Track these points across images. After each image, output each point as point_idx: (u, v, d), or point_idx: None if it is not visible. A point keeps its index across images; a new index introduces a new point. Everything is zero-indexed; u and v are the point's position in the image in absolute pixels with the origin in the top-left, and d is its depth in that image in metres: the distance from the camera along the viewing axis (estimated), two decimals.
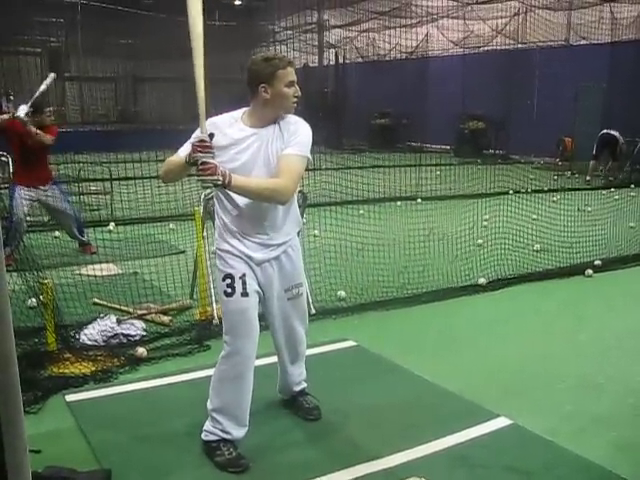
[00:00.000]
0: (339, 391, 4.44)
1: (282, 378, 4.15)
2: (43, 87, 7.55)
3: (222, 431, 3.63)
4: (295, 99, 3.53)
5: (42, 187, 7.85)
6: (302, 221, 3.81)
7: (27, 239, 7.52)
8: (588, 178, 16.23)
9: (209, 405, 3.69)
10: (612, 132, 16.25)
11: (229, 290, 3.53)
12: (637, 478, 3.49)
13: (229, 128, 3.51)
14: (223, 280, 3.56)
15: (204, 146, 3.23)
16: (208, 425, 3.69)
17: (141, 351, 5.08)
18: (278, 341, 3.93)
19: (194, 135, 3.38)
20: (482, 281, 7.10)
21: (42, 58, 23.33)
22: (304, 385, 4.20)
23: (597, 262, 7.91)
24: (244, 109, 3.59)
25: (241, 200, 3.48)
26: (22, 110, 7.43)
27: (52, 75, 7.83)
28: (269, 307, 3.74)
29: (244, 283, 3.53)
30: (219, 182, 3.22)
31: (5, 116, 7.80)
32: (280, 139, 3.48)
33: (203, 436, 3.71)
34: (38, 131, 7.59)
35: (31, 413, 4.11)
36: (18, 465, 1.33)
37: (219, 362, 3.64)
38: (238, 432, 3.65)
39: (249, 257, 3.56)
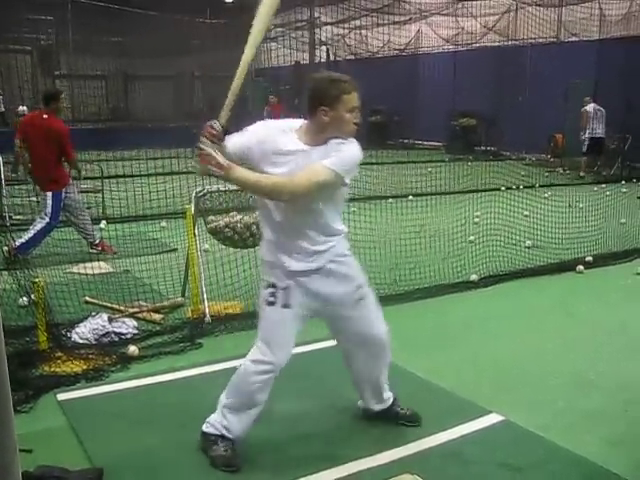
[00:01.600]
0: (332, 388, 4.43)
1: (364, 397, 4.03)
2: None
3: (225, 428, 3.61)
4: (355, 126, 3.41)
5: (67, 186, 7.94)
6: (343, 229, 3.68)
7: (17, 237, 7.50)
8: (582, 174, 16.41)
9: (223, 399, 3.64)
10: (599, 133, 16.58)
11: (271, 299, 3.49)
12: (628, 473, 3.50)
13: (281, 135, 3.41)
14: (266, 288, 3.52)
15: (211, 133, 3.22)
16: (214, 418, 3.65)
17: (133, 349, 5.07)
18: (353, 353, 3.83)
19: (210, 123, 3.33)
20: (474, 278, 7.12)
21: (32, 56, 23.26)
22: (388, 403, 4.06)
23: (588, 258, 7.93)
24: (303, 121, 3.46)
25: (277, 211, 3.43)
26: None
27: None
28: (338, 311, 3.65)
29: (287, 294, 3.48)
30: (212, 173, 3.21)
31: None
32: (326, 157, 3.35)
33: (204, 427, 3.68)
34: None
35: (22, 412, 4.09)
36: (8, 464, 1.33)
37: (247, 364, 3.55)
38: (239, 433, 3.63)
39: (291, 269, 3.47)
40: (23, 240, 7.43)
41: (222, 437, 3.62)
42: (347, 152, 3.39)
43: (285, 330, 3.52)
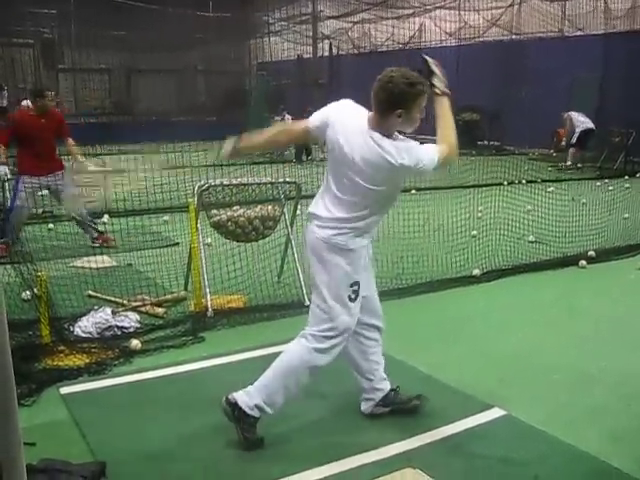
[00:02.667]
0: (333, 382, 4.43)
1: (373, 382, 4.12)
2: None
3: (263, 411, 3.64)
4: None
5: (51, 175, 7.88)
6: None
7: (21, 231, 7.52)
8: (568, 163, 16.75)
9: (275, 385, 3.65)
10: (590, 125, 16.79)
11: (353, 296, 3.61)
12: (630, 468, 3.51)
13: (356, 118, 3.52)
14: (350, 286, 3.60)
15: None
16: (260, 401, 3.63)
17: (135, 343, 5.08)
18: (372, 336, 3.99)
19: None
20: (476, 272, 7.11)
21: (35, 50, 23.23)
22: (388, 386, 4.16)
23: (591, 253, 7.93)
24: (370, 113, 3.52)
25: (379, 196, 3.56)
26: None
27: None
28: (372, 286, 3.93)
29: (359, 289, 3.64)
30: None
31: None
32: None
33: (249, 410, 3.63)
34: (75, 154, 8.05)
35: (25, 406, 4.11)
36: (13, 458, 1.33)
37: (311, 352, 3.61)
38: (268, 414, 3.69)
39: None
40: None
41: (257, 419, 3.66)
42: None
43: (354, 322, 3.73)
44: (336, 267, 3.58)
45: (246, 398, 3.63)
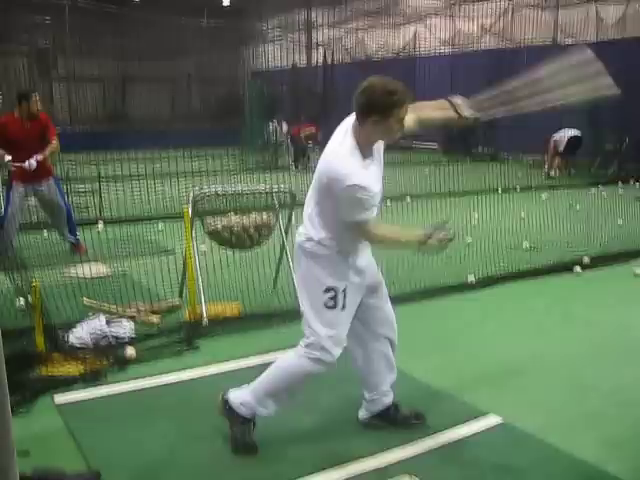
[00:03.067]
0: (329, 390, 4.43)
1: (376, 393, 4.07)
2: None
3: (257, 413, 3.66)
4: (399, 132, 3.47)
5: (39, 182, 7.90)
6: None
7: (15, 239, 7.50)
8: (552, 174, 16.70)
9: (266, 385, 3.66)
10: (575, 132, 16.75)
11: (331, 303, 3.55)
12: (627, 475, 3.50)
13: (365, 168, 3.41)
14: (325, 292, 3.55)
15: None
16: (252, 400, 3.65)
17: (130, 352, 5.06)
18: (376, 348, 4.00)
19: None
20: (471, 279, 7.12)
21: (29, 59, 23.23)
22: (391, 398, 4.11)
23: (585, 259, 7.94)
24: (351, 141, 3.40)
25: None
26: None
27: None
28: (381, 297, 3.97)
29: (345, 297, 3.57)
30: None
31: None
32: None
33: (240, 410, 3.66)
34: (46, 153, 7.80)
35: (19, 414, 4.09)
36: (5, 466, 1.32)
37: (302, 357, 3.59)
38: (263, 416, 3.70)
39: (354, 264, 3.63)
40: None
41: (253, 422, 3.68)
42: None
43: (344, 330, 3.65)
44: (308, 272, 3.58)
45: (237, 394, 3.69)
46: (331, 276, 3.51)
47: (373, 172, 3.45)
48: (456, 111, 3.71)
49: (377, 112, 3.31)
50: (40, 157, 7.65)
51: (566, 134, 16.73)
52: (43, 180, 7.92)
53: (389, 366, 4.00)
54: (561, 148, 16.76)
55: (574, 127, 16.94)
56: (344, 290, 3.53)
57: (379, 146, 3.53)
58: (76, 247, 8.37)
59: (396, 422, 4.02)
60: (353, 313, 3.66)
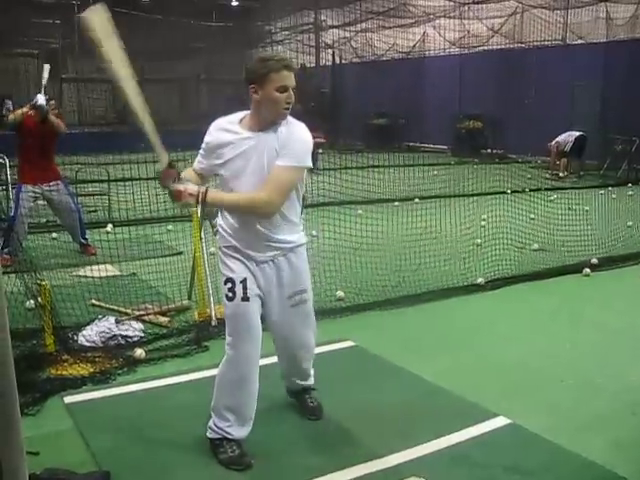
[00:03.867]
0: (338, 391, 4.43)
1: (285, 376, 4.16)
2: (45, 77, 7.70)
3: (224, 430, 3.63)
4: (287, 105, 3.36)
5: (48, 184, 7.91)
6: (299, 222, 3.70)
7: (25, 240, 7.53)
8: (561, 174, 16.66)
9: (212, 404, 3.69)
10: (580, 133, 16.78)
11: (230, 294, 3.51)
12: (636, 476, 3.49)
13: (223, 132, 3.45)
14: (225, 284, 3.53)
15: (167, 176, 3.27)
16: (211, 423, 3.69)
17: (139, 352, 5.07)
18: (278, 345, 3.94)
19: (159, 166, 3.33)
20: (480, 281, 7.10)
21: (39, 59, 23.32)
22: (309, 382, 4.18)
23: (594, 261, 7.91)
24: (246, 112, 3.48)
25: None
26: (41, 99, 7.53)
27: (47, 66, 7.93)
28: (269, 311, 3.69)
29: (245, 287, 3.49)
30: (191, 203, 3.29)
31: (25, 109, 7.76)
32: (276, 147, 3.36)
33: (207, 434, 3.71)
34: (57, 120, 7.78)
35: (29, 415, 4.10)
36: (15, 467, 1.33)
37: (222, 364, 3.61)
38: (239, 432, 3.65)
39: (248, 256, 3.52)
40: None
41: (226, 439, 3.64)
42: (297, 141, 3.40)
43: (248, 322, 3.53)
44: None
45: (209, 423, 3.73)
46: (230, 270, 3.58)
47: (238, 140, 3.40)
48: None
49: (253, 80, 3.33)
50: (47, 100, 7.68)
51: (570, 136, 16.72)
52: (52, 182, 7.95)
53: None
54: (567, 148, 16.75)
55: (582, 128, 16.93)
56: (237, 281, 3.59)
57: (288, 143, 3.38)
58: (86, 248, 8.39)
59: (306, 405, 4.17)
60: None
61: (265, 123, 3.39)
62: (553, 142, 16.89)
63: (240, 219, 3.50)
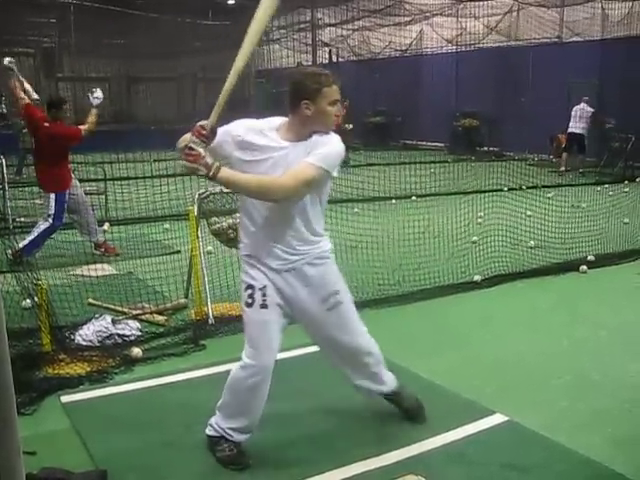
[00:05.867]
0: (335, 389, 4.43)
1: (352, 379, 3.99)
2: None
3: (225, 431, 3.63)
4: (336, 117, 3.44)
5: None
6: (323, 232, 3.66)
7: (21, 239, 7.53)
8: (562, 169, 17.00)
9: (220, 403, 3.67)
10: (577, 130, 17.15)
11: (249, 301, 3.51)
12: (634, 473, 3.50)
13: (259, 135, 3.41)
14: (245, 290, 3.53)
15: (200, 132, 3.21)
16: (213, 421, 3.69)
17: (136, 351, 5.07)
18: (332, 357, 3.89)
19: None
20: (477, 278, 7.11)
21: (35, 58, 23.29)
22: (385, 388, 4.01)
23: (590, 258, 7.92)
24: (283, 119, 3.46)
25: (255, 208, 3.44)
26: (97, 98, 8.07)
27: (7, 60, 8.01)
28: (306, 319, 3.67)
29: (264, 295, 3.48)
30: (200, 172, 3.20)
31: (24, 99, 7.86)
32: (306, 154, 3.35)
33: (207, 430, 3.71)
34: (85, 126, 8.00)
35: (26, 414, 4.10)
36: (12, 467, 1.33)
37: (238, 369, 3.58)
38: (240, 437, 3.64)
39: (269, 266, 3.49)
40: (26, 242, 7.47)
41: (224, 438, 3.63)
42: (330, 147, 3.39)
43: (266, 330, 3.51)
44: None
45: (212, 419, 3.71)
46: (249, 274, 3.56)
47: (272, 148, 3.38)
48: None
49: (307, 96, 3.33)
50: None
51: (570, 123, 17.12)
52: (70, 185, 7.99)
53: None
54: (564, 145, 17.02)
55: (579, 125, 17.05)
56: (257, 287, 3.57)
57: (319, 147, 3.38)
58: (103, 247, 8.34)
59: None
60: None
61: (303, 135, 3.40)
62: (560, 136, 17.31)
63: (262, 231, 3.47)
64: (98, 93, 7.82)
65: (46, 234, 7.68)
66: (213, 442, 3.68)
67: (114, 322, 5.49)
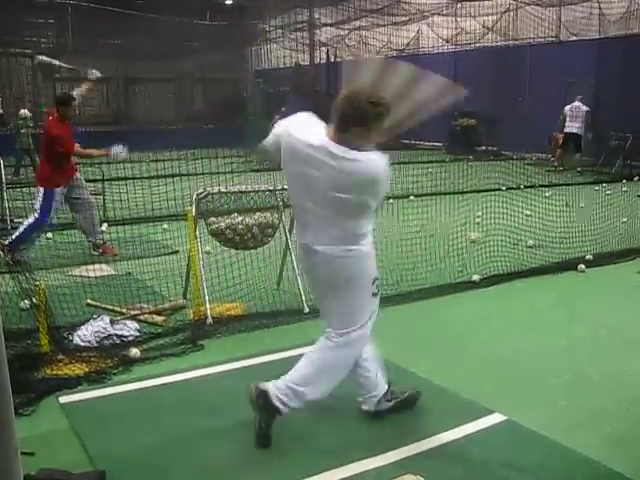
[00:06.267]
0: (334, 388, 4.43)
1: None
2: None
3: (300, 401, 3.73)
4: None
5: (71, 182, 7.97)
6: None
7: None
8: (556, 164, 17.50)
9: (306, 384, 3.74)
10: (573, 130, 17.29)
11: (376, 291, 3.77)
12: (631, 472, 3.50)
13: (313, 133, 3.53)
14: (372, 283, 3.74)
15: None
16: (287, 398, 3.70)
17: (135, 352, 5.07)
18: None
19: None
20: (476, 278, 7.11)
21: (32, 59, 23.25)
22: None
23: (589, 257, 7.92)
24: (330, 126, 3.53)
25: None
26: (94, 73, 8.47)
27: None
28: None
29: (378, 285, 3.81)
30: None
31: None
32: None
33: (274, 399, 3.68)
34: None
35: (24, 415, 4.09)
36: (9, 467, 1.33)
37: (345, 347, 3.78)
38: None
39: None
40: (13, 237, 7.58)
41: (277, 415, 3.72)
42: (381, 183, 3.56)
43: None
44: (357, 270, 3.78)
45: (275, 389, 3.69)
46: (374, 267, 3.76)
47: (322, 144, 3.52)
48: None
49: (360, 124, 3.42)
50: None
51: (568, 123, 17.32)
52: (73, 178, 8.00)
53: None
54: (560, 141, 17.27)
55: (574, 124, 17.16)
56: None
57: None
58: (102, 247, 8.33)
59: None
60: None
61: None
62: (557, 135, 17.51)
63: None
64: (95, 71, 7.99)
65: (32, 230, 7.66)
66: (270, 413, 3.71)
67: (112, 322, 5.49)
